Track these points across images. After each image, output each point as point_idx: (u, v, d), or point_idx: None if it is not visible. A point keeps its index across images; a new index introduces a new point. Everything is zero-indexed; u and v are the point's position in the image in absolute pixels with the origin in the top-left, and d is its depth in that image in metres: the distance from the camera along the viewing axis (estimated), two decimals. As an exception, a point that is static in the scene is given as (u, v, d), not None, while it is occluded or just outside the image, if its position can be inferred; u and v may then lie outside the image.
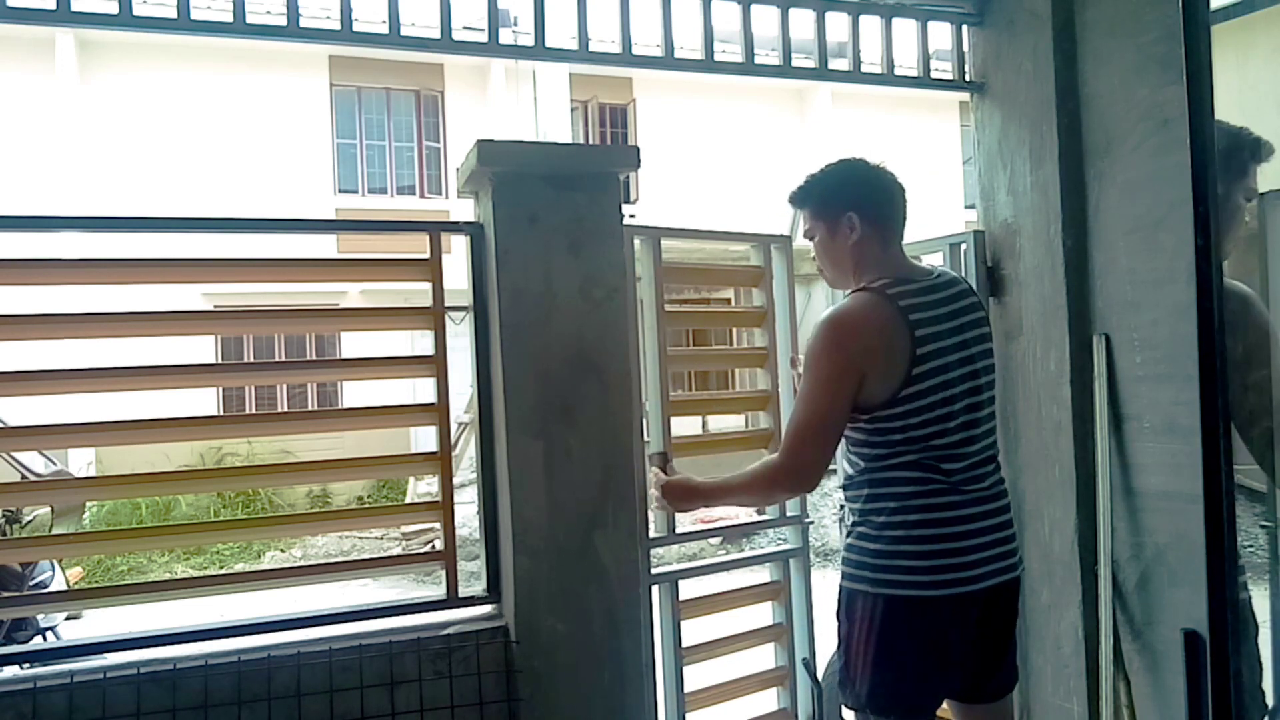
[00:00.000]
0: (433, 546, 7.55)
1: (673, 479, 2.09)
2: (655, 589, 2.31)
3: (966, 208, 13.87)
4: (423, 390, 2.17)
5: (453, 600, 2.11)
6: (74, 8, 1.95)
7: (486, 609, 2.15)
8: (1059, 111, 2.46)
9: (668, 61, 2.45)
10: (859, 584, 1.81)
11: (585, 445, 2.10)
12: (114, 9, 1.96)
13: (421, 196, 12.87)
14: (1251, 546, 1.96)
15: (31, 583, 3.81)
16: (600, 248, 2.14)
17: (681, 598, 2.36)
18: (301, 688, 1.90)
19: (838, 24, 2.60)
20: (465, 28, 2.30)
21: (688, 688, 2.35)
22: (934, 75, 2.81)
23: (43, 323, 1.93)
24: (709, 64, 2.48)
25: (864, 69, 2.67)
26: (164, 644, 1.91)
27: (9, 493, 2.99)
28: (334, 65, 12.18)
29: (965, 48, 2.79)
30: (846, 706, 1.88)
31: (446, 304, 2.14)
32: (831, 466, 1.84)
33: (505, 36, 2.29)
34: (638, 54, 2.42)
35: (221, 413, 9.89)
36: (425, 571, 7.05)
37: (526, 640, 2.04)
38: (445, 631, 2.05)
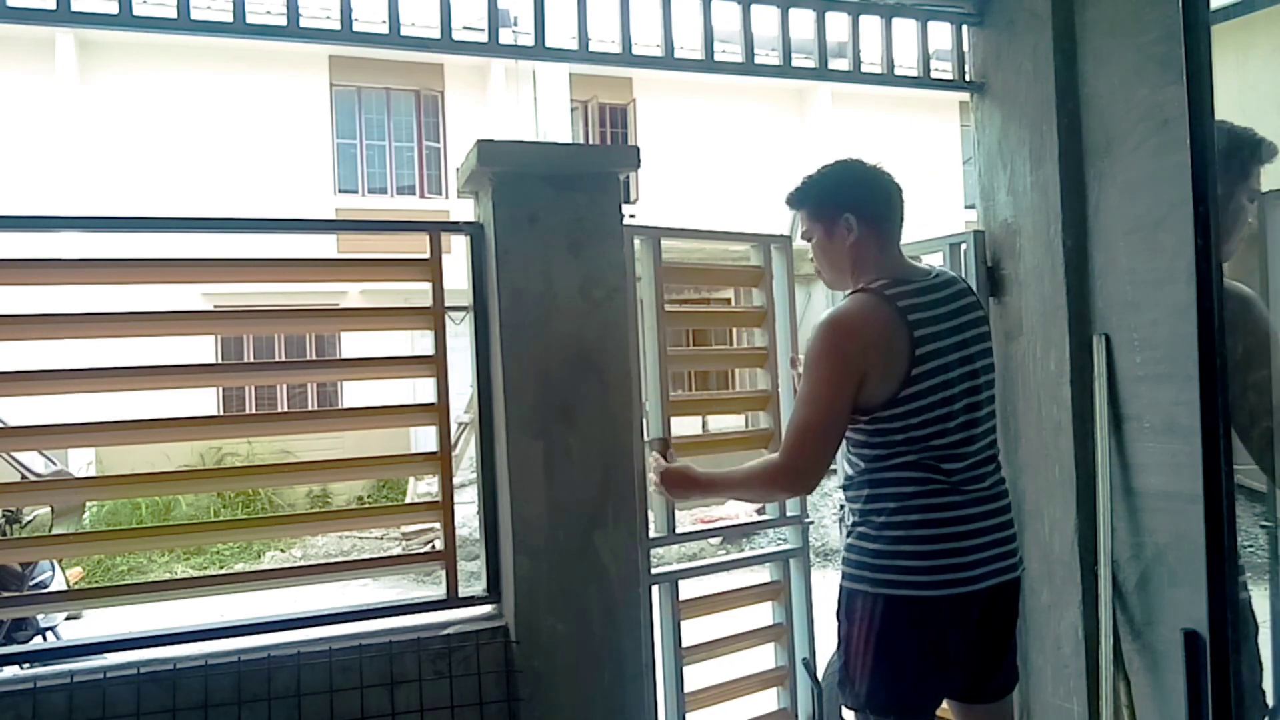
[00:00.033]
0: (433, 546, 7.55)
1: (672, 466, 2.09)
2: (655, 589, 2.31)
3: (966, 208, 13.87)
4: (423, 390, 2.17)
5: (453, 600, 2.11)
6: (74, 8, 1.95)
7: (486, 609, 2.15)
8: (1059, 111, 2.46)
9: (668, 61, 2.45)
10: (859, 584, 1.81)
11: (585, 445, 2.10)
12: (114, 9, 1.96)
13: (421, 196, 12.87)
14: (1251, 546, 1.96)
15: (31, 583, 3.82)
16: (600, 248, 2.14)
17: (681, 598, 2.36)
18: (301, 688, 1.90)
19: (838, 24, 2.60)
20: (465, 28, 2.30)
21: (688, 688, 2.35)
22: (934, 75, 2.81)
23: (43, 323, 1.93)
24: (709, 64, 2.48)
25: (864, 69, 2.67)
26: (164, 644, 1.91)
27: (9, 493, 2.99)
28: (334, 65, 12.18)
29: (965, 48, 2.79)
30: (846, 706, 1.88)
31: (446, 304, 2.14)
32: (831, 466, 1.84)
33: (505, 36, 2.29)
34: (638, 54, 2.42)
35: (221, 413, 9.89)
36: (425, 571, 7.05)
37: (526, 640, 2.04)
38: (445, 631, 2.05)
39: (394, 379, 2.26)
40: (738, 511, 8.33)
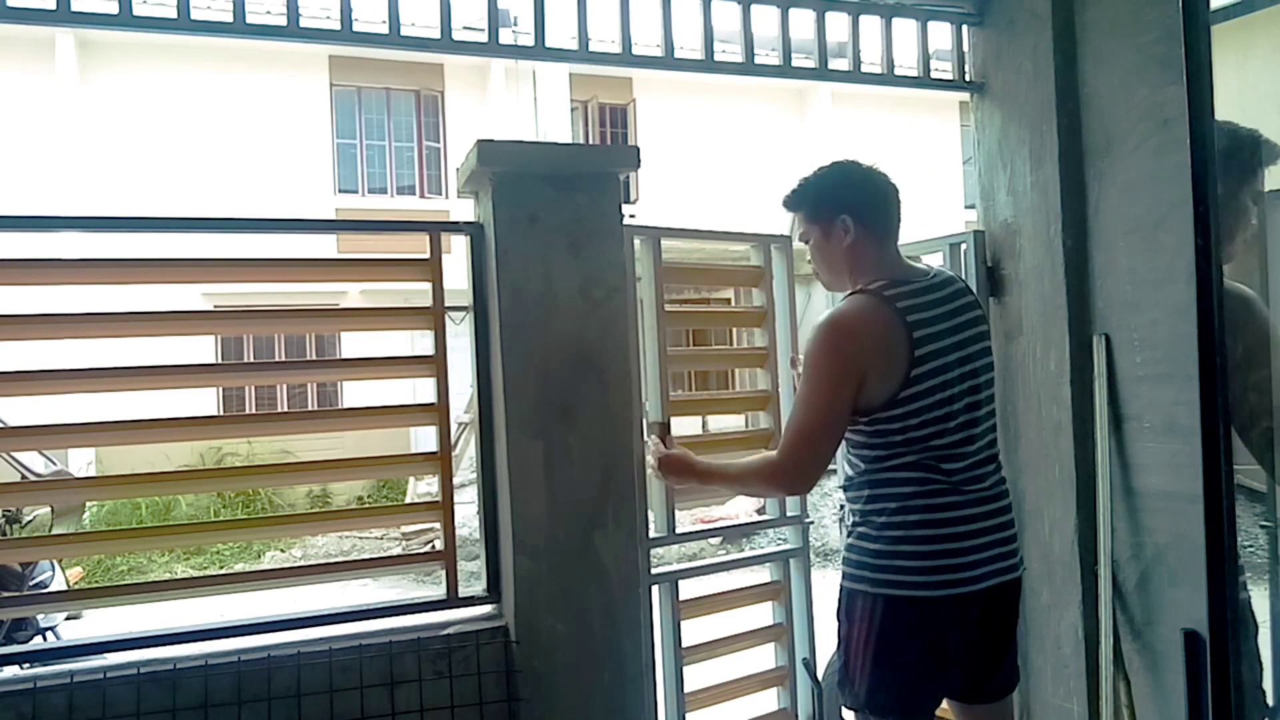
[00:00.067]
0: (433, 546, 7.55)
1: (671, 452, 2.09)
2: (655, 589, 2.31)
3: (966, 208, 13.87)
4: (423, 390, 2.17)
5: (453, 600, 2.11)
6: (74, 8, 1.95)
7: (486, 609, 2.15)
8: (1059, 111, 2.46)
9: (668, 61, 2.45)
10: (859, 584, 1.81)
11: (585, 445, 2.10)
12: (114, 9, 1.96)
13: (421, 196, 12.87)
14: (1251, 546, 1.95)
15: (31, 583, 3.82)
16: (600, 248, 2.14)
17: (681, 598, 2.36)
18: (301, 688, 1.90)
19: (838, 24, 2.60)
20: (465, 28, 2.30)
21: (688, 688, 2.35)
22: (934, 75, 2.82)
23: (43, 323, 1.93)
24: (709, 64, 2.48)
25: (864, 69, 2.67)
26: (164, 644, 1.91)
27: (9, 493, 2.99)
28: (334, 65, 12.18)
29: (965, 48, 2.79)
30: (846, 706, 1.88)
31: (446, 304, 2.14)
32: (831, 466, 1.84)
33: (505, 36, 2.29)
34: (638, 54, 2.42)
35: (221, 413, 9.89)
36: (425, 571, 7.05)
37: (526, 640, 2.04)
38: (445, 631, 2.05)
39: (394, 379, 2.26)
40: (738, 511, 8.33)
